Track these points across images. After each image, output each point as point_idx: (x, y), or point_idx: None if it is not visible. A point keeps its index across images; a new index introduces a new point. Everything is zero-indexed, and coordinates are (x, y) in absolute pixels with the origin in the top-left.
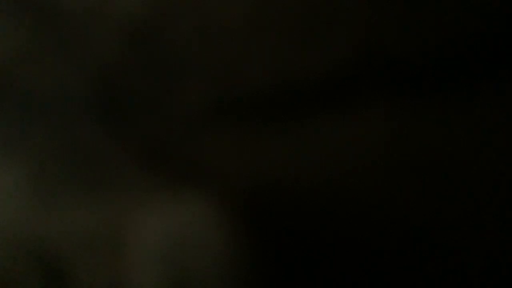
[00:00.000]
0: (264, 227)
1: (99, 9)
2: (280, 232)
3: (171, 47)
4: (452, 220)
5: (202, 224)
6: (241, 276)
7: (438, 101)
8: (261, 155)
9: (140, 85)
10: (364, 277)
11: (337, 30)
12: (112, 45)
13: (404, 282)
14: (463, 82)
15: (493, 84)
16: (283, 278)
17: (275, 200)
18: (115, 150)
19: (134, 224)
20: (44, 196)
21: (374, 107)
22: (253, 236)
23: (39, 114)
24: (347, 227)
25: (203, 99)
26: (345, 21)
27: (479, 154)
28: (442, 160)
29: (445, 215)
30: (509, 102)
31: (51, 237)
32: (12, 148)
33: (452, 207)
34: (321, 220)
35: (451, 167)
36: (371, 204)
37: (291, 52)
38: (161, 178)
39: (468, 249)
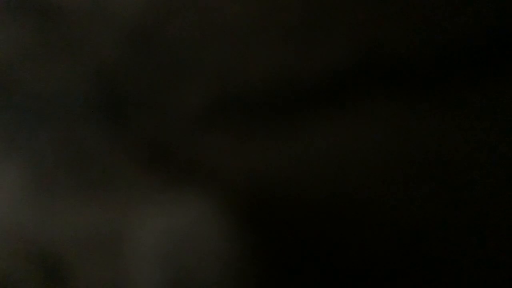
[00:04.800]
0: (264, 226)
1: (100, 9)
2: (280, 231)
3: (171, 47)
4: (452, 219)
5: (202, 224)
6: (241, 276)
7: (438, 101)
8: (261, 155)
9: (140, 85)
10: (363, 276)
11: (337, 30)
12: (112, 45)
13: (404, 281)
14: (463, 81)
15: (493, 84)
16: (283, 278)
17: (275, 199)
18: (115, 150)
19: (134, 224)
20: (44, 196)
21: (374, 107)
22: (253, 236)
23: (40, 114)
24: (347, 226)
25: (203, 99)
26: (345, 21)
27: (479, 153)
28: (442, 159)
29: (445, 214)
30: (509, 102)
31: (51, 237)
32: (13, 148)
33: (452, 206)
34: (321, 219)
35: (451, 166)
36: (372, 203)
37: (291, 52)
38: (161, 178)
39: (467, 248)
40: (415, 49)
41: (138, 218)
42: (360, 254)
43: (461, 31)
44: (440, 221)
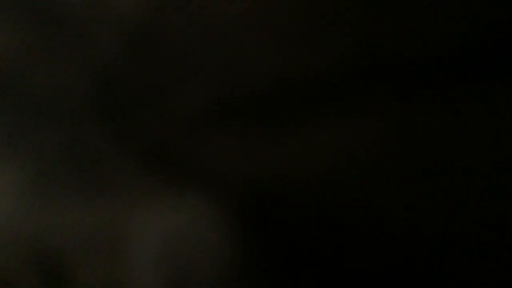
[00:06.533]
0: (264, 226)
1: (100, 9)
2: (279, 231)
3: (171, 47)
4: (451, 218)
5: (202, 224)
6: (241, 276)
7: (437, 101)
8: (261, 155)
9: (140, 85)
10: (362, 275)
11: (336, 30)
12: (112, 45)
13: (404, 281)
14: (462, 81)
15: (493, 84)
16: (282, 278)
17: (275, 199)
18: (115, 150)
19: (134, 224)
20: (44, 196)
21: (373, 106)
22: (253, 236)
23: (39, 114)
24: (347, 226)
25: (203, 99)
26: (344, 21)
27: (478, 153)
28: (441, 159)
29: (445, 213)
30: (509, 102)
31: (51, 237)
32: (12, 148)
33: (452, 205)
34: (321, 219)
35: (450, 165)
36: (372, 202)
37: (291, 52)
38: (161, 178)
39: (467, 248)
40: (415, 49)
41: (138, 218)
42: (360, 253)
43: (461, 31)
44: (440, 220)
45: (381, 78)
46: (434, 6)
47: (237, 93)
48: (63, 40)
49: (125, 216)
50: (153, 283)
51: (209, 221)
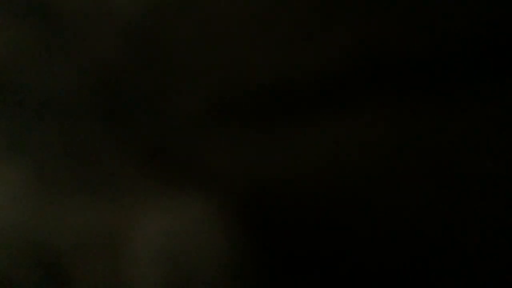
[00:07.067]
0: (264, 227)
1: (99, 9)
2: (280, 232)
3: (171, 47)
4: (451, 218)
5: (202, 224)
6: (241, 276)
7: (438, 101)
8: (261, 155)
9: (140, 85)
10: (363, 276)
11: (336, 30)
12: (112, 45)
13: (404, 282)
14: (463, 82)
15: (493, 84)
16: (283, 278)
17: (275, 200)
18: (115, 150)
19: (134, 224)
20: (44, 196)
21: (373, 107)
22: (253, 236)
23: (39, 114)
24: (347, 227)
25: (203, 99)
26: (344, 21)
27: (478, 154)
28: (441, 160)
29: (445, 214)
30: (509, 102)
31: (51, 237)
32: (13, 148)
33: (452, 206)
34: (321, 220)
35: (450, 166)
36: (371, 202)
37: (291, 52)
38: (161, 178)
39: (467, 248)
40: (415, 49)
41: (138, 218)
42: (360, 253)
43: (462, 31)
44: (440, 220)
45: (381, 78)
46: (434, 6)
47: (237, 93)
48: (62, 40)
49: (125, 216)
50: (153, 283)
51: (209, 221)
